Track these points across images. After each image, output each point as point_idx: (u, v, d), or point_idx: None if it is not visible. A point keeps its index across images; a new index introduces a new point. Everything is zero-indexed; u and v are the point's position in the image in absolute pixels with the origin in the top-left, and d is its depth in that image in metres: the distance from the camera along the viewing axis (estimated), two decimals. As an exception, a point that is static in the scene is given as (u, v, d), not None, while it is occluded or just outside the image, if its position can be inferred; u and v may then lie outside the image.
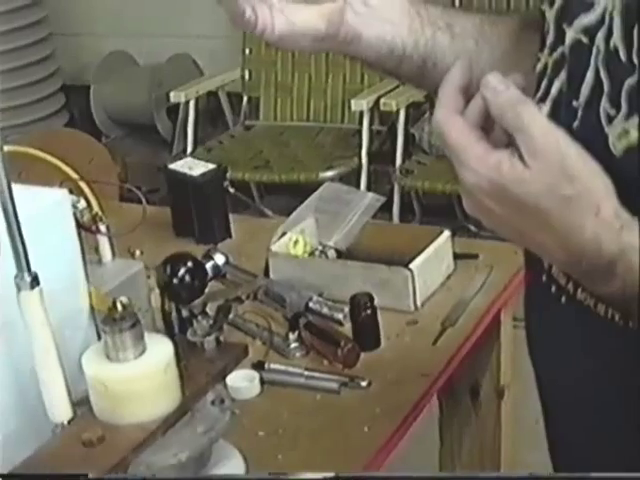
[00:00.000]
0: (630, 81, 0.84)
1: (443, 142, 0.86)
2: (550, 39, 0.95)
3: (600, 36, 0.87)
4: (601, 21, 0.87)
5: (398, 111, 3.67)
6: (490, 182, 0.82)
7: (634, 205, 0.83)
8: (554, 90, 0.94)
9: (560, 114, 0.91)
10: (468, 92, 0.87)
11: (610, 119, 0.86)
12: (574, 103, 0.90)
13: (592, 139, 0.85)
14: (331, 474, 0.89)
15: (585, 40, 0.89)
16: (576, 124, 0.89)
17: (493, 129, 0.85)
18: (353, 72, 3.91)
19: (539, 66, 0.97)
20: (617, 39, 0.85)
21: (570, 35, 0.91)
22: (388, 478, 1.01)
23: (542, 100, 0.95)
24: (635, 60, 0.84)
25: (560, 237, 0.83)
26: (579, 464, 1.05)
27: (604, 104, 0.86)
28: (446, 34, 1.12)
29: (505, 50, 1.11)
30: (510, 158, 0.82)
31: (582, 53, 0.89)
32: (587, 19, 0.89)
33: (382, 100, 3.61)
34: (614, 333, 0.92)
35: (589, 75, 0.88)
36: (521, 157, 0.81)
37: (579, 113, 0.89)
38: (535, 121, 0.82)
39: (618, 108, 0.85)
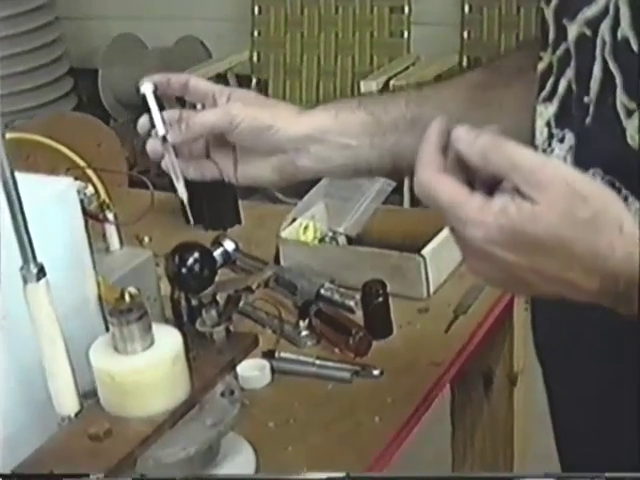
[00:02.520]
0: None
1: (433, 204, 0.81)
2: (551, 37, 0.92)
3: (604, 27, 0.84)
4: (604, 12, 0.85)
5: (408, 93, 3.64)
6: (500, 230, 0.77)
7: None
8: (561, 88, 0.91)
9: (570, 112, 0.89)
10: (446, 152, 0.81)
11: (629, 113, 0.83)
12: (585, 99, 0.87)
13: (607, 134, 0.83)
14: (341, 474, 0.87)
15: (589, 33, 0.86)
16: (588, 120, 0.86)
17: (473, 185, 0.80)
18: (362, 53, 3.88)
19: (542, 65, 0.94)
20: (626, 28, 0.82)
21: (573, 29, 0.88)
22: (401, 478, 0.99)
23: (549, 99, 0.92)
24: None
25: (589, 264, 0.77)
26: (585, 459, 1.02)
27: (620, 97, 0.83)
28: (410, 133, 1.08)
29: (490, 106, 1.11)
30: (513, 200, 0.76)
31: (587, 47, 0.86)
32: (590, 11, 0.86)
33: (392, 81, 3.58)
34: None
35: (596, 69, 0.85)
36: (523, 195, 0.76)
37: (591, 109, 0.86)
38: (526, 155, 0.77)
39: (637, 100, 0.82)
